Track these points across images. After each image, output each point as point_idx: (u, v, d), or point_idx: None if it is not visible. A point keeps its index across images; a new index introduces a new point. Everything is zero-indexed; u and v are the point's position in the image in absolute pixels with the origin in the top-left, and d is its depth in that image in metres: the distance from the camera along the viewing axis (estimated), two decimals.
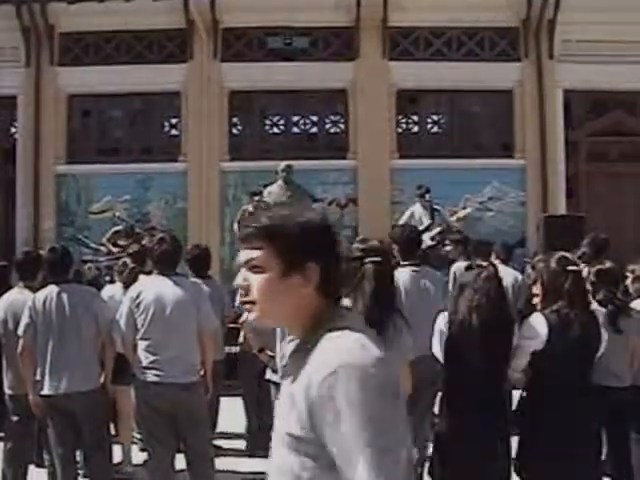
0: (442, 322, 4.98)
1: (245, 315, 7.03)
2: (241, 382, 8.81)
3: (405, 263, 6.78)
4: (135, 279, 7.43)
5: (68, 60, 16.33)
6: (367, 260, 4.54)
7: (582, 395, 4.96)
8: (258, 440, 8.48)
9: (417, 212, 13.45)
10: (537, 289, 5.18)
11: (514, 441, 5.05)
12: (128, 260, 8.43)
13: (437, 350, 5.05)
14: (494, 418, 4.85)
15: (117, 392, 7.23)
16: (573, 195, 16.04)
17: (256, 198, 12.77)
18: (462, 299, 4.89)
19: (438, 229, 12.95)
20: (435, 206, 13.53)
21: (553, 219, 12.79)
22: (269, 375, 6.64)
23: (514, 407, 7.66)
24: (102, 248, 13.51)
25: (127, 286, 7.40)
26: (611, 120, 16.17)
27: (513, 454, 5.00)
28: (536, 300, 5.22)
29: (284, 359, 5.54)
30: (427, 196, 13.45)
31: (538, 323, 4.93)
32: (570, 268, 5.04)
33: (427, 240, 12.34)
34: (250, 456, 8.26)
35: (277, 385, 6.50)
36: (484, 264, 5.16)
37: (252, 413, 8.61)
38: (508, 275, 9.29)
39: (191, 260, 8.42)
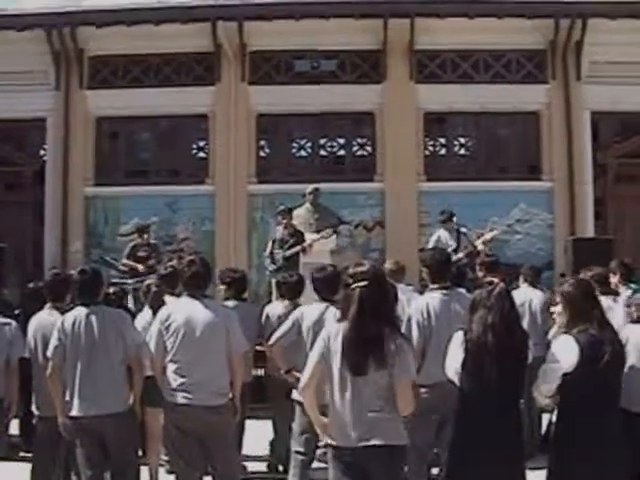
0: (458, 342, 4.99)
1: (274, 337, 7.08)
2: (272, 403, 8.57)
3: (434, 286, 6.75)
4: (160, 301, 7.42)
5: (97, 83, 16.53)
6: (354, 285, 4.67)
7: (613, 418, 4.91)
8: (283, 461, 8.35)
9: (443, 236, 13.27)
10: (558, 310, 5.16)
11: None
12: (154, 282, 8.35)
13: (452, 369, 5.05)
14: (509, 435, 4.88)
15: (147, 414, 7.22)
16: (601, 217, 15.94)
17: (284, 220, 12.53)
18: (476, 318, 4.93)
19: (465, 252, 12.78)
20: (461, 229, 13.37)
21: (581, 242, 12.68)
22: (295, 395, 6.75)
23: (543, 431, 7.57)
24: (124, 268, 13.48)
25: (153, 309, 7.39)
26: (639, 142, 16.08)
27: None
28: (558, 320, 5.21)
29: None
30: (452, 220, 13.21)
31: (568, 345, 4.89)
32: (597, 290, 5.02)
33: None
34: (274, 478, 8.20)
35: (302, 405, 6.51)
36: (495, 280, 5.15)
37: (282, 434, 8.17)
38: (536, 298, 9.23)
39: (230, 283, 8.43)
